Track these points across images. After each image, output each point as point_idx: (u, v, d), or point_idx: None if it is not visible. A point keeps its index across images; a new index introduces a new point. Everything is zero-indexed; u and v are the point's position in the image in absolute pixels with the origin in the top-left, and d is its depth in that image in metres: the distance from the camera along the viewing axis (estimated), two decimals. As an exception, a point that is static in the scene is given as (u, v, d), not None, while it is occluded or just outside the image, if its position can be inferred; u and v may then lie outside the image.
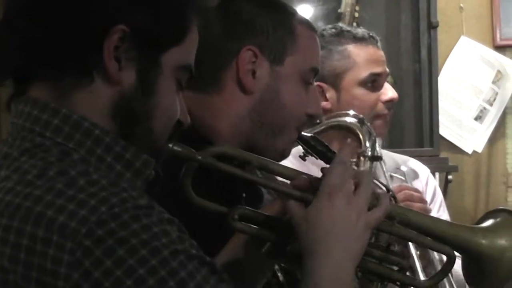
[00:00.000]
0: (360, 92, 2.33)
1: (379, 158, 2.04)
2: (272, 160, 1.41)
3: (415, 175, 2.49)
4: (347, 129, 2.04)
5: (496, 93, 4.07)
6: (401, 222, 1.38)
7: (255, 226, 1.40)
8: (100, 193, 1.08)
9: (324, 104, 2.31)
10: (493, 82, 4.07)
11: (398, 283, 1.44)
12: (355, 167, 1.97)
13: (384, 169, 2.25)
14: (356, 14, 3.71)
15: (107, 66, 1.18)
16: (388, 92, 2.37)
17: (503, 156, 4.11)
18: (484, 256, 1.40)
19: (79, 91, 1.19)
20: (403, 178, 2.35)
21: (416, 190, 2.18)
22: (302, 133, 1.72)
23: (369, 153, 2.00)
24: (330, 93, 2.34)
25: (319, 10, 3.98)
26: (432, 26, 3.94)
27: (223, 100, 1.66)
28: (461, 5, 4.03)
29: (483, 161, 4.10)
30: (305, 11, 3.91)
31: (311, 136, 1.72)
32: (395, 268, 1.43)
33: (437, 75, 3.98)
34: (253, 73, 1.64)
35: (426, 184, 2.50)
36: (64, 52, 1.18)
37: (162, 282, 1.06)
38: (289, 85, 1.66)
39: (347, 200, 1.30)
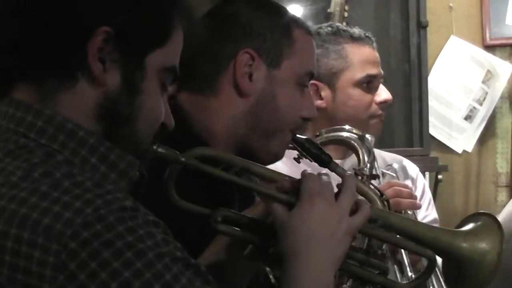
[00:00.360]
0: (356, 92, 2.34)
1: (377, 177, 2.04)
2: (255, 162, 1.41)
3: (405, 174, 2.49)
4: (347, 145, 2.03)
5: (486, 93, 4.08)
6: (382, 225, 1.38)
7: (238, 228, 1.40)
8: (85, 195, 1.08)
9: (318, 103, 2.32)
10: (483, 82, 4.07)
11: (379, 286, 1.44)
12: None
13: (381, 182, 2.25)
14: (346, 14, 3.71)
15: (91, 67, 1.18)
16: (382, 93, 2.38)
17: (493, 155, 4.12)
18: (465, 260, 1.41)
19: (64, 92, 1.19)
20: (394, 174, 2.35)
21: (406, 186, 2.18)
22: (297, 135, 1.72)
23: (368, 171, 1.99)
24: (325, 92, 2.35)
25: (308, 10, 3.99)
26: (422, 26, 3.94)
27: (219, 102, 1.66)
28: (451, 4, 4.03)
29: (473, 160, 4.11)
30: (295, 11, 3.91)
31: (305, 138, 1.72)
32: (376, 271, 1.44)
33: (427, 75, 3.98)
34: (250, 76, 1.64)
35: (415, 182, 2.50)
36: (48, 53, 1.18)
37: (147, 285, 1.06)
38: (285, 89, 1.66)
39: (328, 204, 1.30)
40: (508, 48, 4.10)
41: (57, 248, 1.05)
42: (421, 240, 1.41)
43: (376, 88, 2.38)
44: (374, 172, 2.03)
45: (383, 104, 2.38)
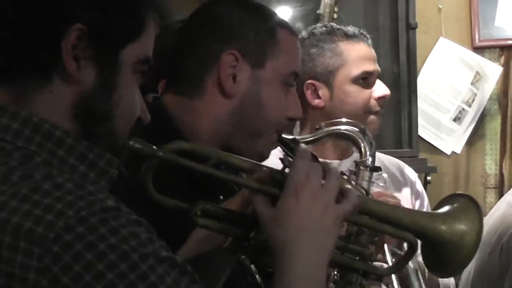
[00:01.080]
0: (353, 89, 2.35)
1: (379, 169, 2.04)
2: (231, 154, 1.40)
3: (404, 178, 2.49)
4: (348, 138, 2.03)
5: (475, 94, 4.08)
6: (360, 210, 1.37)
7: (217, 221, 1.39)
8: (66, 197, 1.07)
9: (317, 102, 2.33)
10: (472, 84, 4.07)
11: (360, 272, 1.44)
12: (354, 176, 1.97)
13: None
14: (335, 15, 3.70)
15: (65, 66, 1.17)
16: (380, 89, 2.39)
17: (482, 157, 4.12)
18: (444, 242, 1.40)
19: (39, 92, 1.18)
20: (383, 184, 2.35)
21: (393, 197, 2.17)
22: (283, 136, 1.72)
23: (370, 163, 1.99)
24: (323, 91, 2.35)
25: (297, 11, 3.98)
26: (411, 27, 3.93)
27: (204, 104, 1.67)
28: (440, 6, 4.03)
29: (461, 162, 4.11)
30: (284, 12, 3.91)
31: (291, 138, 1.73)
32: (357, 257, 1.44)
33: (416, 76, 3.97)
34: (234, 77, 1.66)
35: (414, 187, 2.50)
36: (22, 53, 1.17)
37: (131, 286, 1.05)
38: (269, 89, 1.67)
39: (312, 195, 1.29)
40: (497, 49, 4.10)
41: (40, 251, 1.04)
42: (399, 224, 1.41)
43: (373, 84, 2.38)
44: (375, 165, 2.04)
45: (381, 99, 2.39)
